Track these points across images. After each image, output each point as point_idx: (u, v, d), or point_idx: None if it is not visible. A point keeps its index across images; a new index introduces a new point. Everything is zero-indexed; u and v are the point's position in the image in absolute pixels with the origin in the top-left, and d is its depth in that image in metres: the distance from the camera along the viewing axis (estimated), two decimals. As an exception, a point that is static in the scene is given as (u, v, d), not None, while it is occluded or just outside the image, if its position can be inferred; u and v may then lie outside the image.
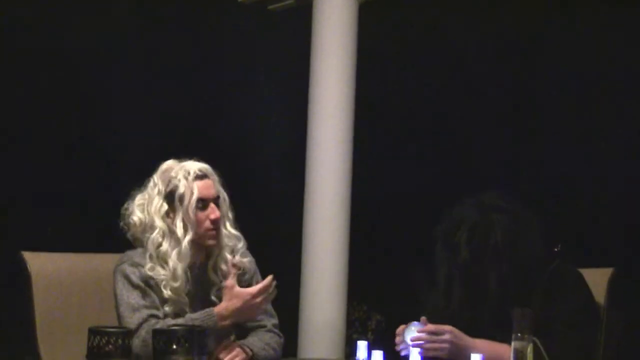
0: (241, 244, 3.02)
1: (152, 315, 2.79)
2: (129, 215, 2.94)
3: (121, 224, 2.96)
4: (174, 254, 2.86)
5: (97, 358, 2.05)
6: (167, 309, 2.85)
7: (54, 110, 4.93)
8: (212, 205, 2.90)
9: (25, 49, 4.79)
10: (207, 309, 2.82)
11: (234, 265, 2.91)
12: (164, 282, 2.84)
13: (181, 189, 2.86)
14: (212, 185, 2.92)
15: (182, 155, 3.01)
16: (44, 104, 4.91)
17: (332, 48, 4.39)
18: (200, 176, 2.90)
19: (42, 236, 4.31)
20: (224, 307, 2.81)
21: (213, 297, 2.91)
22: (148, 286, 2.85)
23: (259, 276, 3.09)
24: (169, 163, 2.97)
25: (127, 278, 2.85)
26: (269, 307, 3.10)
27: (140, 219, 2.91)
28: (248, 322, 2.94)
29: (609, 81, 4.82)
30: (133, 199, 2.96)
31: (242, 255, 3.01)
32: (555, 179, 4.90)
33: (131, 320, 2.77)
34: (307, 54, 4.45)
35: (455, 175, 4.91)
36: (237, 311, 2.82)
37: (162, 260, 2.86)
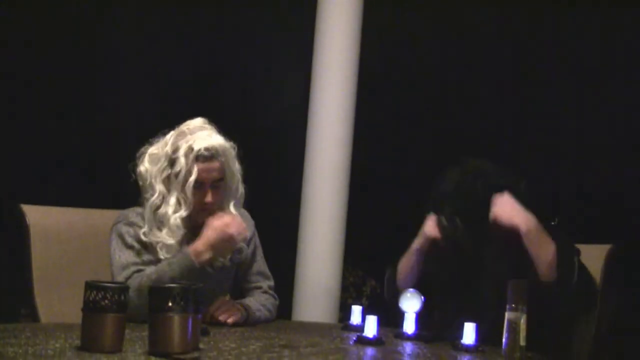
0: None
1: (138, 270, 2.77)
2: (140, 162, 2.88)
3: (133, 166, 2.90)
4: (164, 232, 2.83)
5: (93, 312, 2.06)
6: None
7: (58, 67, 4.92)
8: (209, 188, 2.83)
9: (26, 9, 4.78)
10: (182, 250, 2.78)
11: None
12: (159, 244, 2.83)
13: (178, 167, 2.79)
14: (215, 168, 2.83)
15: (190, 113, 2.93)
16: (49, 62, 4.90)
17: (337, 16, 4.37)
18: (205, 157, 2.80)
19: (43, 192, 4.31)
20: (198, 242, 2.77)
21: (208, 268, 2.86)
22: (142, 245, 2.83)
23: (257, 238, 3.10)
24: (190, 125, 2.88)
25: (121, 237, 2.85)
26: (265, 268, 3.12)
27: (146, 170, 2.86)
28: (227, 255, 2.88)
29: (611, 54, 4.82)
30: (152, 143, 2.91)
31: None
32: (555, 153, 4.90)
33: (119, 277, 2.76)
34: (312, 21, 4.43)
35: (454, 143, 4.91)
36: (212, 243, 2.77)
37: (159, 222, 2.84)
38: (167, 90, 5.09)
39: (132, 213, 2.91)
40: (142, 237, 2.84)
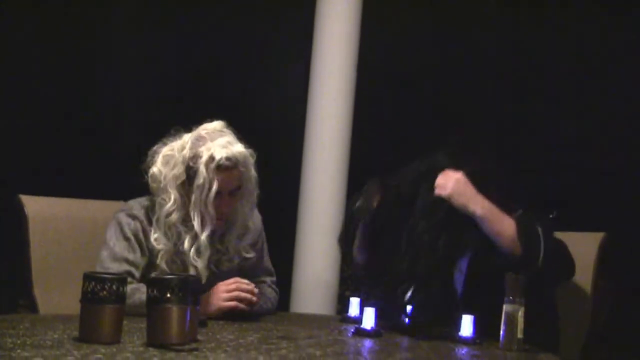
0: (249, 236, 2.93)
1: (129, 273, 2.72)
2: (152, 162, 2.81)
3: (144, 166, 2.83)
4: (192, 251, 2.75)
5: (91, 303, 2.06)
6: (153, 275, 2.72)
7: (56, 58, 4.91)
8: (226, 196, 2.77)
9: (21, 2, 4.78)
10: None
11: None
12: (161, 253, 2.77)
13: (200, 179, 2.70)
14: (235, 177, 2.76)
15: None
16: (46, 52, 4.89)
17: (336, 14, 4.37)
18: (226, 167, 2.72)
19: (42, 182, 4.31)
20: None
21: (212, 266, 2.85)
22: (137, 241, 2.79)
23: (264, 235, 3.08)
24: (209, 129, 2.78)
25: (120, 226, 2.80)
26: (270, 265, 3.11)
27: (160, 172, 2.78)
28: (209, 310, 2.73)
29: (606, 48, 4.82)
30: (165, 142, 2.83)
31: (247, 249, 2.91)
32: (552, 142, 4.91)
33: (108, 267, 2.71)
34: (311, 13, 4.43)
35: (451, 132, 4.91)
36: (212, 313, 2.69)
37: (167, 228, 2.77)
38: (165, 85, 5.08)
39: (137, 206, 2.86)
40: (140, 235, 2.79)
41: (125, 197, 2.97)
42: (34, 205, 3.04)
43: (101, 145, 4.86)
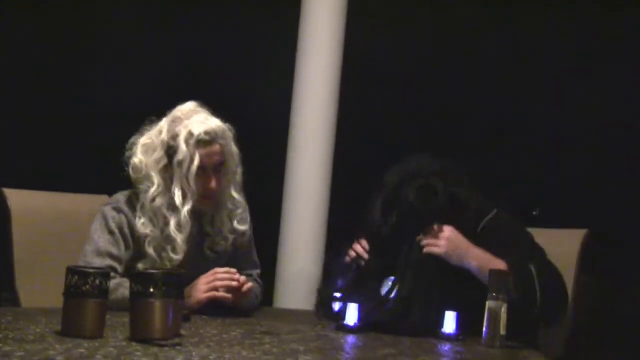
0: (240, 210, 2.91)
1: (112, 268, 2.69)
2: (132, 154, 2.80)
3: (125, 158, 2.81)
4: (172, 224, 2.73)
5: (74, 297, 2.06)
6: (140, 265, 2.74)
7: (44, 53, 4.90)
8: (212, 173, 2.76)
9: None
10: None
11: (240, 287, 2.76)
12: (149, 239, 2.75)
13: (181, 155, 2.70)
14: (217, 152, 2.75)
15: (180, 97, 2.86)
16: (35, 48, 4.88)
17: (322, 6, 4.37)
18: (206, 142, 2.72)
19: (26, 176, 4.30)
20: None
21: (207, 251, 2.86)
22: (122, 235, 2.76)
23: (251, 228, 3.06)
24: (184, 110, 2.78)
25: (105, 220, 2.78)
26: (255, 257, 3.10)
27: (141, 161, 2.77)
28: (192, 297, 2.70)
29: (597, 46, 4.84)
30: (142, 133, 2.83)
31: (240, 222, 2.90)
32: (536, 141, 4.93)
33: (91, 261, 2.68)
34: (297, 12, 4.43)
35: (439, 133, 4.92)
36: (194, 306, 2.66)
37: (153, 214, 2.76)
38: (153, 79, 5.07)
39: (122, 199, 2.83)
40: (126, 229, 2.77)
41: (109, 191, 2.96)
42: (17, 199, 3.03)
43: (85, 138, 4.85)
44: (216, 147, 2.75)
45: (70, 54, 4.98)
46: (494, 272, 2.56)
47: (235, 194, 2.87)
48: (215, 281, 2.73)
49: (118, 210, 2.80)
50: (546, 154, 4.87)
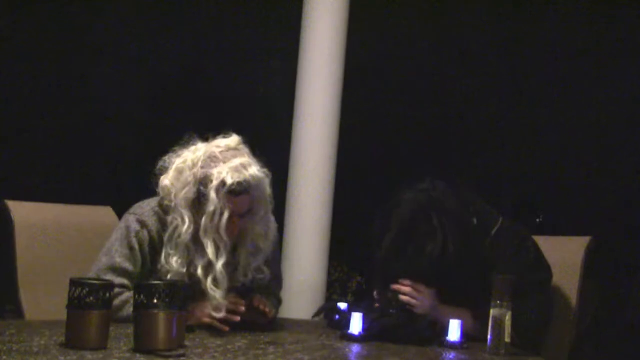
0: (260, 257, 2.79)
1: (124, 285, 2.63)
2: (164, 175, 2.69)
3: (155, 171, 2.72)
4: (209, 282, 2.61)
5: (78, 309, 2.06)
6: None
7: (45, 61, 4.91)
8: (236, 218, 2.64)
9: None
10: None
11: (256, 305, 2.71)
12: (171, 274, 2.64)
13: (211, 206, 2.59)
14: (246, 202, 2.64)
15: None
16: (35, 55, 4.88)
17: (323, 5, 4.37)
18: (237, 192, 2.60)
19: (29, 187, 4.30)
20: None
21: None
22: (141, 252, 2.68)
23: (278, 246, 3.02)
24: (223, 147, 2.66)
25: (127, 231, 2.69)
26: (279, 272, 3.05)
27: (172, 185, 2.67)
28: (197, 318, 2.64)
29: (597, 51, 4.85)
30: (177, 153, 2.71)
31: (257, 271, 2.79)
32: (540, 148, 4.93)
33: (104, 276, 2.60)
34: (299, 11, 4.43)
35: (441, 138, 4.93)
36: (194, 324, 2.59)
37: (177, 250, 2.65)
38: (154, 83, 5.07)
39: (148, 211, 2.73)
40: (146, 247, 2.68)
41: (112, 203, 2.95)
42: (20, 211, 3.03)
43: (89, 150, 4.85)
44: (245, 198, 2.64)
45: (72, 65, 4.98)
46: (498, 279, 2.55)
47: (259, 229, 2.76)
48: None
49: (143, 224, 2.71)
50: (550, 161, 4.87)
